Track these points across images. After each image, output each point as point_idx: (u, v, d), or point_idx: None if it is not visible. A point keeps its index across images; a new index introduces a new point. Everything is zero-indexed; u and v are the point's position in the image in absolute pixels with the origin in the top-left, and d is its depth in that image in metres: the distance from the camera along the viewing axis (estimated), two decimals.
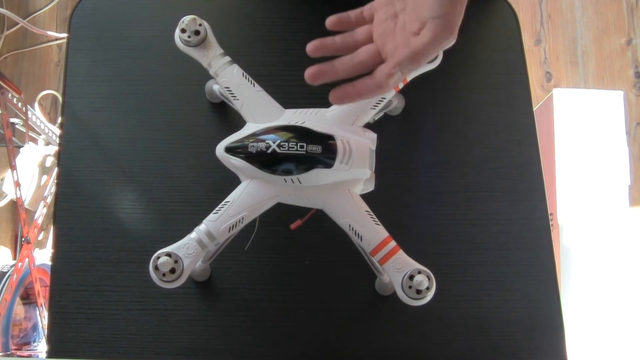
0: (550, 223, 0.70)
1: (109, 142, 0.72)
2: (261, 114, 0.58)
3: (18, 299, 1.27)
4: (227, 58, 0.59)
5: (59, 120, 0.87)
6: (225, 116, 0.73)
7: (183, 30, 0.58)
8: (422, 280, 0.51)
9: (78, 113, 0.74)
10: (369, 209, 0.55)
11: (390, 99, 0.60)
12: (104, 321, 0.66)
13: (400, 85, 0.59)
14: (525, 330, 0.66)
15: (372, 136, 0.57)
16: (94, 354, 0.65)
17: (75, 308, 0.66)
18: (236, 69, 0.59)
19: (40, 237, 1.54)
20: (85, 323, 0.66)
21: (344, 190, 0.55)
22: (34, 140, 1.47)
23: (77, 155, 0.71)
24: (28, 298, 1.34)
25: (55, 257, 0.68)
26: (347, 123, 0.57)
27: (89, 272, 0.67)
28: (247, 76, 0.59)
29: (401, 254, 0.53)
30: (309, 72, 0.49)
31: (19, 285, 1.22)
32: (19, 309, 1.32)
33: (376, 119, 0.64)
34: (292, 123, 0.55)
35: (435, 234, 0.69)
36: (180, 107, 0.74)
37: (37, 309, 1.32)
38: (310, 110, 0.58)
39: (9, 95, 1.19)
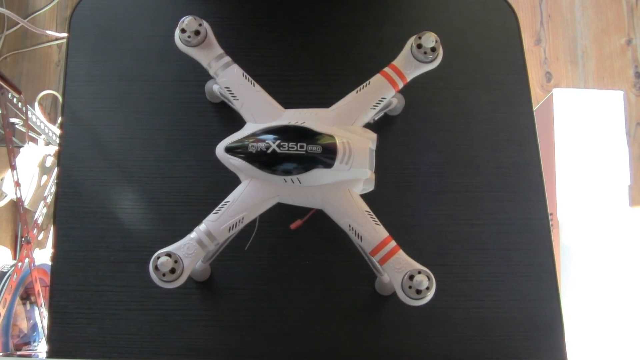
0: (550, 223, 0.70)
1: (109, 142, 0.72)
2: (261, 114, 0.58)
3: (18, 299, 1.27)
4: (227, 58, 0.59)
5: (59, 120, 0.87)
6: (225, 116, 0.73)
7: (183, 30, 0.58)
8: (422, 280, 0.51)
9: (78, 113, 0.74)
10: (369, 209, 0.55)
11: (390, 99, 0.60)
12: (104, 321, 0.66)
13: (400, 85, 0.59)
14: (525, 330, 0.66)
15: (372, 136, 0.57)
16: (94, 354, 0.65)
17: (75, 308, 0.66)
18: (236, 69, 0.59)
19: (40, 237, 1.53)
20: (85, 323, 0.66)
21: (344, 190, 0.55)
22: (34, 140, 1.47)
23: (77, 155, 0.71)
24: (28, 298, 1.34)
25: (55, 257, 0.68)
26: (347, 123, 0.57)
27: (89, 272, 0.67)
28: (247, 76, 0.59)
29: (401, 254, 0.53)
30: None
31: (19, 285, 1.22)
32: (19, 309, 1.32)
33: (376, 119, 0.65)
34: (292, 123, 0.55)
35: (435, 234, 0.69)
36: (180, 107, 0.73)
37: (37, 309, 1.32)
38: (310, 110, 0.58)
39: (9, 95, 1.18)
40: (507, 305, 0.67)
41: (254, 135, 0.55)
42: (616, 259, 1.27)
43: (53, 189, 1.42)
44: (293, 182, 0.54)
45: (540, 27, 1.74)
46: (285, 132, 0.54)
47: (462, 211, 0.70)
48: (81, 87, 0.74)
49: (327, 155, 0.53)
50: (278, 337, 0.66)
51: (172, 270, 0.52)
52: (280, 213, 0.59)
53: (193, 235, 0.54)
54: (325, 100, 0.59)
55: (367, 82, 0.59)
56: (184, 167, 0.71)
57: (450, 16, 0.79)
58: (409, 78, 0.59)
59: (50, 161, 1.46)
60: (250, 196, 0.55)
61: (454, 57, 0.73)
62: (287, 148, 0.53)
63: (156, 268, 0.51)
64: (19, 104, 1.24)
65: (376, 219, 0.55)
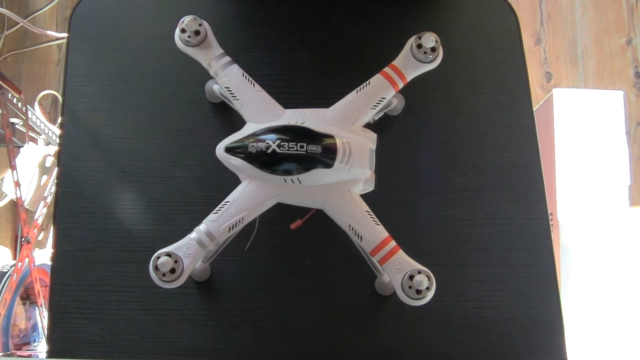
0: (550, 223, 0.70)
1: (109, 142, 0.72)
2: (261, 114, 0.58)
3: (18, 299, 1.27)
4: (227, 58, 0.59)
5: (59, 120, 0.87)
6: (225, 116, 0.73)
7: (183, 30, 0.58)
8: (422, 280, 0.51)
9: (78, 113, 0.74)
10: (369, 209, 0.55)
11: (390, 99, 0.60)
12: (104, 321, 0.66)
13: (400, 85, 0.59)
14: (525, 330, 0.66)
15: (372, 136, 0.57)
16: (94, 354, 0.65)
17: (75, 308, 0.66)
18: (236, 69, 0.59)
19: (40, 237, 1.53)
20: (85, 323, 0.66)
21: (344, 190, 0.55)
22: (34, 140, 1.47)
23: (77, 155, 0.71)
24: (28, 298, 1.34)
25: (55, 257, 0.68)
26: (347, 123, 0.57)
27: (89, 272, 0.67)
28: (247, 76, 0.59)
29: (401, 254, 0.53)
30: None
31: (19, 285, 1.22)
32: (19, 309, 1.32)
33: (376, 119, 0.64)
34: (292, 123, 0.55)
35: (435, 234, 0.69)
36: (180, 107, 0.73)
37: (37, 309, 1.32)
38: (310, 110, 0.58)
39: (9, 95, 1.18)
40: (507, 305, 0.67)
41: (254, 135, 0.55)
42: (616, 259, 1.27)
43: (53, 189, 1.42)
44: (293, 182, 0.54)
45: (540, 27, 1.74)
46: (285, 132, 0.54)
47: (462, 211, 0.70)
48: (81, 87, 0.74)
49: (327, 155, 0.53)
50: (278, 337, 0.66)
51: (172, 270, 0.52)
52: (280, 213, 0.59)
53: (193, 235, 0.54)
54: (325, 100, 0.59)
55: (367, 82, 0.59)
56: (184, 167, 0.71)
57: (450, 16, 0.79)
58: (409, 78, 0.59)
59: (50, 161, 1.46)
60: (250, 196, 0.55)
61: (454, 57, 0.73)
62: (287, 148, 0.53)
63: (156, 268, 0.51)
64: (19, 104, 1.24)
65: (376, 219, 0.55)
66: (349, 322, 0.67)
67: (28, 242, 1.23)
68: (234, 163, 0.55)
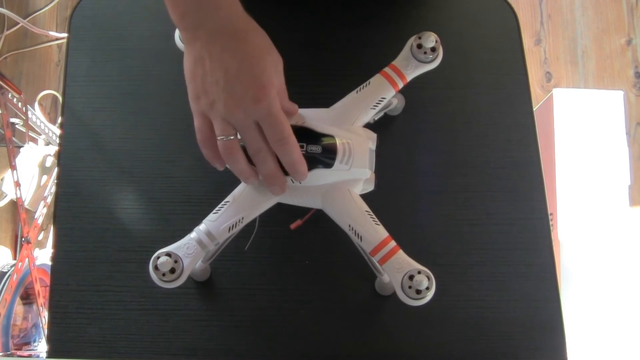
0: (550, 223, 0.70)
1: (109, 142, 0.72)
2: None
3: (18, 299, 1.27)
4: None
5: (59, 120, 0.87)
6: None
7: None
8: (421, 280, 0.51)
9: (78, 113, 0.74)
10: (369, 209, 0.55)
11: (390, 99, 0.60)
12: (104, 321, 0.66)
13: (400, 85, 0.59)
14: (525, 330, 0.66)
15: (372, 136, 0.57)
16: (94, 354, 0.65)
17: (75, 308, 0.66)
18: None
19: (40, 237, 1.54)
20: (85, 323, 0.66)
21: (344, 190, 0.55)
22: (34, 140, 1.47)
23: (77, 155, 0.71)
24: (28, 298, 1.34)
25: (55, 257, 0.68)
26: (347, 123, 0.57)
27: (89, 272, 0.67)
28: None
29: (401, 254, 0.53)
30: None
31: (19, 285, 1.22)
32: (19, 309, 1.32)
33: (376, 119, 0.64)
34: (292, 123, 0.55)
35: (435, 234, 0.69)
36: (181, 107, 0.73)
37: (37, 309, 1.33)
38: (310, 110, 0.58)
39: (9, 95, 1.19)
40: (507, 305, 0.67)
41: None
42: (616, 259, 1.27)
43: (53, 189, 1.42)
44: (293, 182, 0.54)
45: (540, 27, 1.74)
46: None
47: (462, 211, 0.70)
48: (81, 87, 0.74)
49: (327, 156, 0.53)
50: (278, 337, 0.66)
51: (172, 270, 0.52)
52: (280, 213, 0.59)
53: (193, 235, 0.54)
54: (325, 100, 0.59)
55: (367, 82, 0.59)
56: (184, 167, 0.71)
57: (450, 16, 0.79)
58: (409, 78, 0.59)
59: (50, 161, 1.46)
60: (250, 196, 0.55)
61: (454, 57, 0.73)
62: None
63: (156, 268, 0.51)
64: (19, 104, 1.24)
65: (376, 219, 0.55)
66: (349, 322, 0.67)
67: (28, 242, 1.23)
68: None
